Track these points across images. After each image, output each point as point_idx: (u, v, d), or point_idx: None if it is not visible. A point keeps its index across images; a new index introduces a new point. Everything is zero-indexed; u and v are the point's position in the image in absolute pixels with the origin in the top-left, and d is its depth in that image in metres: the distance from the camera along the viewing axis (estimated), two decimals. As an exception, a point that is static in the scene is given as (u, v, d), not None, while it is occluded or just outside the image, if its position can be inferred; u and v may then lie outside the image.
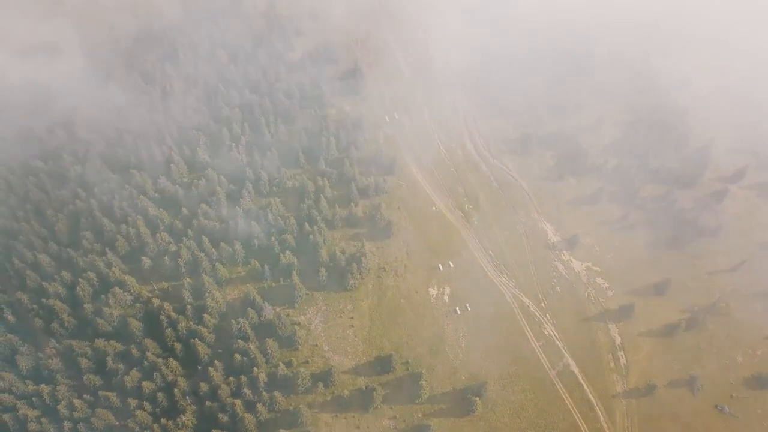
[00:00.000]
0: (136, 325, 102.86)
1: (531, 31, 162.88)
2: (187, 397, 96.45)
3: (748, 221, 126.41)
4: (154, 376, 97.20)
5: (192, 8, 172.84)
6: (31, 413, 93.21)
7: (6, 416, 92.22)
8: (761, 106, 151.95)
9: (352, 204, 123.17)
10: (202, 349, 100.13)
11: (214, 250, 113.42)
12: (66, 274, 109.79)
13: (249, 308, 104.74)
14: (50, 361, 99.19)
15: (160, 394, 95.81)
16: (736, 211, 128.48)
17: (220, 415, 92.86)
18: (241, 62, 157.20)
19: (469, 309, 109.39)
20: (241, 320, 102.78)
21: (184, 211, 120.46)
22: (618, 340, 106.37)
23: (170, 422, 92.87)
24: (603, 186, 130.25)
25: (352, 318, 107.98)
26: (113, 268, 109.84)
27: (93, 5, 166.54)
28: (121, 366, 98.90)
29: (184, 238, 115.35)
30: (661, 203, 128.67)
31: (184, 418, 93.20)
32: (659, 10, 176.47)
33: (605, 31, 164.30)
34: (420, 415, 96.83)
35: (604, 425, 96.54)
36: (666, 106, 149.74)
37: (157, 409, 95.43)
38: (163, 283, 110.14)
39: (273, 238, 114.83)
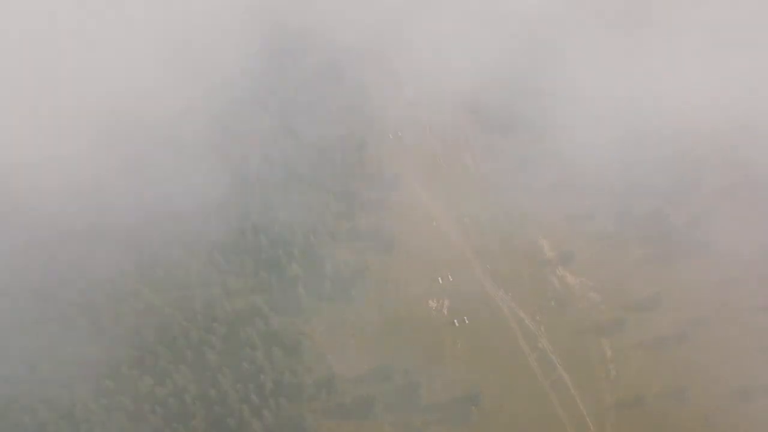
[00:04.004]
0: (149, 332, 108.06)
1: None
2: (197, 402, 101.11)
3: (739, 237, 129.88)
4: (166, 381, 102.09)
5: (201, 25, 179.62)
6: (50, 416, 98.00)
7: (26, 418, 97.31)
8: (754, 124, 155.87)
9: (356, 218, 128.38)
10: (212, 357, 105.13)
11: (223, 261, 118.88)
12: (82, 283, 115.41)
13: (256, 318, 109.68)
14: (68, 366, 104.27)
15: (171, 399, 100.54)
16: (727, 227, 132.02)
17: (229, 420, 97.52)
18: (248, 79, 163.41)
19: (467, 321, 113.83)
20: (248, 329, 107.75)
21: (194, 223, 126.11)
22: (609, 353, 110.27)
23: (181, 426, 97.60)
24: (598, 203, 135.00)
25: (354, 328, 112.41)
26: (127, 278, 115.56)
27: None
28: (134, 372, 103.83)
29: (194, 249, 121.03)
30: (653, 219, 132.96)
31: (194, 423, 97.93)
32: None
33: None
34: (419, 423, 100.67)
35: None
36: (660, 123, 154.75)
37: (169, 414, 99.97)
38: (175, 292, 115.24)
39: (280, 251, 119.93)
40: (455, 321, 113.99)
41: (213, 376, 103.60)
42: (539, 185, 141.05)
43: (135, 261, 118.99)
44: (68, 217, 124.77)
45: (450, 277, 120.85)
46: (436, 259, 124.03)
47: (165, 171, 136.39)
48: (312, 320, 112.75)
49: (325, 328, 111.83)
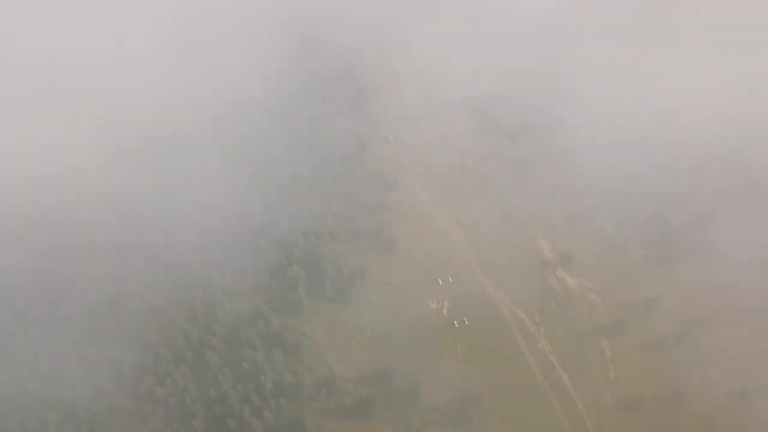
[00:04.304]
0: (149, 333, 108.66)
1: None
2: (197, 403, 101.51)
3: (737, 240, 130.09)
4: (167, 382, 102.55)
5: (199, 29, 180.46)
6: (51, 416, 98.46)
7: (29, 419, 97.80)
8: (754, 126, 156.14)
9: (357, 219, 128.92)
10: (212, 357, 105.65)
11: (224, 262, 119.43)
12: (83, 284, 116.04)
13: (257, 319, 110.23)
14: (69, 367, 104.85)
15: (171, 400, 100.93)
16: (725, 229, 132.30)
17: (229, 420, 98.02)
18: (249, 80, 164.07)
19: (467, 322, 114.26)
20: (249, 330, 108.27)
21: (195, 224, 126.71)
22: (609, 354, 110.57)
23: (182, 426, 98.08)
24: (598, 204, 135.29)
25: (354, 329, 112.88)
26: (129, 279, 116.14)
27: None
28: (135, 372, 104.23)
29: (195, 250, 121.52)
30: (653, 221, 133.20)
31: (194, 423, 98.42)
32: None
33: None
34: (419, 423, 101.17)
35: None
36: (660, 124, 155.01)
37: (169, 414, 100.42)
38: (176, 293, 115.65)
39: (280, 252, 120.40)
40: (455, 322, 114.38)
41: (213, 376, 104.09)
42: (539, 186, 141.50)
43: (137, 262, 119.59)
44: (73, 221, 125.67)
45: (450, 278, 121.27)
46: (437, 261, 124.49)
47: (164, 172, 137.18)
48: (312, 321, 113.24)
49: (325, 329, 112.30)
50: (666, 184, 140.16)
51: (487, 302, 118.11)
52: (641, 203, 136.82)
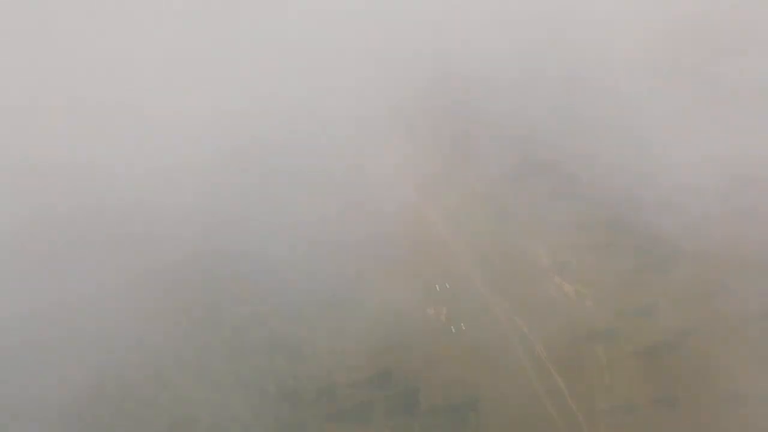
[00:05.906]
0: (152, 338, 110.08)
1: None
2: (200, 408, 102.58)
3: (733, 247, 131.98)
4: (169, 386, 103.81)
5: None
6: (53, 419, 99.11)
7: (31, 423, 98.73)
8: (749, 133, 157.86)
9: (356, 225, 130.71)
10: (215, 362, 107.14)
11: (225, 266, 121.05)
12: (85, 286, 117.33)
13: (259, 324, 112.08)
14: (71, 371, 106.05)
15: (174, 404, 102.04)
16: (720, 236, 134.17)
17: (232, 425, 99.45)
18: (251, 82, 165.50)
19: (464, 328, 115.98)
20: (251, 335, 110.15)
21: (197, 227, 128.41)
22: (604, 360, 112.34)
23: (184, 430, 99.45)
24: (593, 212, 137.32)
25: (354, 334, 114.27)
26: (131, 283, 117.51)
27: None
28: (138, 376, 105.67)
29: (197, 254, 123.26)
30: (647, 229, 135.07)
31: (197, 428, 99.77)
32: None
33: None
34: (417, 428, 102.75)
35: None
36: (654, 128, 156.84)
37: (172, 419, 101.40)
38: (179, 297, 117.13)
39: (281, 257, 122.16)
40: (452, 328, 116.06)
41: (216, 381, 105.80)
42: (537, 194, 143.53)
43: (139, 266, 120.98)
44: (79, 223, 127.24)
45: (447, 284, 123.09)
46: (435, 267, 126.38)
47: (166, 173, 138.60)
48: (313, 327, 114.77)
49: (325, 335, 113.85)
50: (662, 191, 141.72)
51: (484, 308, 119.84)
52: (637, 211, 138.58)
